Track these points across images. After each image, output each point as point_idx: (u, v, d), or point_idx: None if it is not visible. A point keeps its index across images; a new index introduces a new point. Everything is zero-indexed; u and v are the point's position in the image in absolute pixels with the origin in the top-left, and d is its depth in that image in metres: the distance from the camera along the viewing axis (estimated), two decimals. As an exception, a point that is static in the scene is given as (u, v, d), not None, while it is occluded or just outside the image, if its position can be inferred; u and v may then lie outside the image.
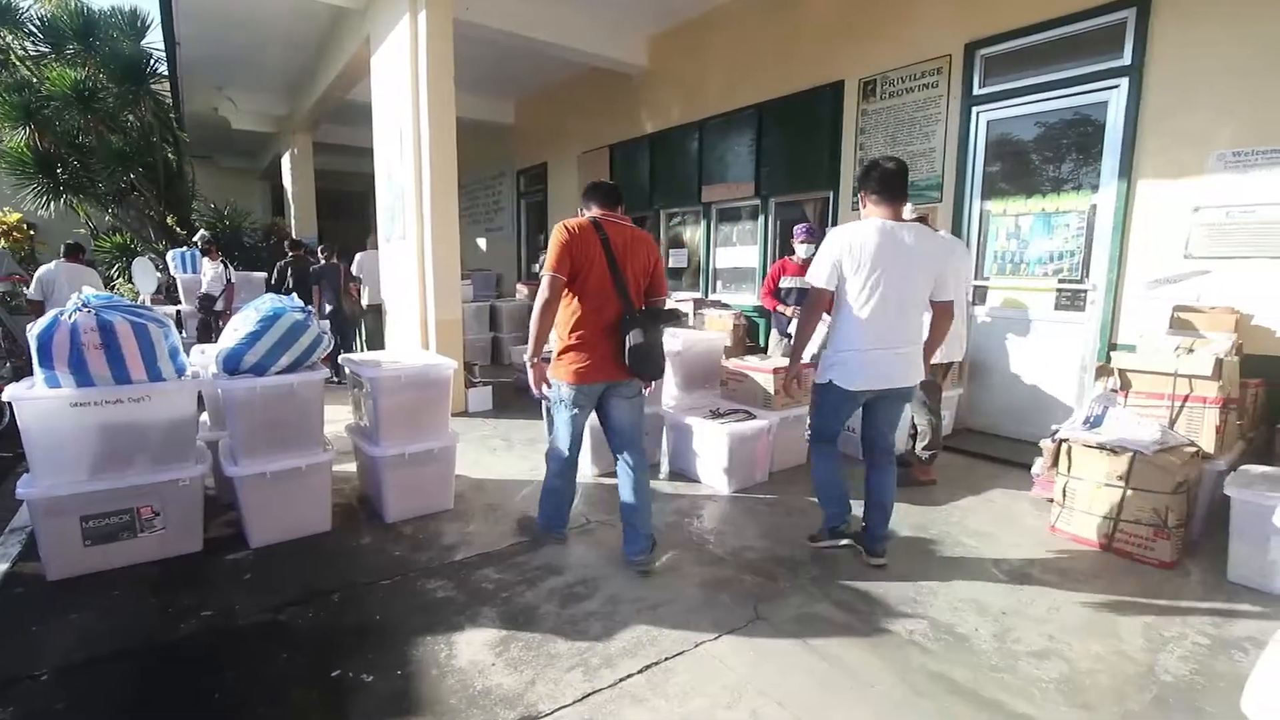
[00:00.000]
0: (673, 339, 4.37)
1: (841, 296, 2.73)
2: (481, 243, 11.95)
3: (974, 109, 4.71)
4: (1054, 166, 4.41)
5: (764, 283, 5.23)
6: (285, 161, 11.84)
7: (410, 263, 5.48)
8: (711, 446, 3.65)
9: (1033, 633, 2.25)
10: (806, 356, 3.16)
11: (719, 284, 7.10)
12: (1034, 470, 3.61)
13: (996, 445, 4.48)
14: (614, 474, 3.08)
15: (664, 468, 4.03)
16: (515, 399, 6.19)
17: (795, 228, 5.07)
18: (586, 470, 3.88)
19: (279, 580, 2.60)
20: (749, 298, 6.63)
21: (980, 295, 4.81)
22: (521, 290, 8.74)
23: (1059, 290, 4.39)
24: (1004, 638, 2.22)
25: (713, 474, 3.69)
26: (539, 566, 2.73)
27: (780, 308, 5.01)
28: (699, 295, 7.04)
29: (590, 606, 2.40)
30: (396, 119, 5.55)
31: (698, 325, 6.08)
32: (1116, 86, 4.01)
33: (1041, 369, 4.49)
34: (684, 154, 7.13)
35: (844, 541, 2.86)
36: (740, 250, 6.81)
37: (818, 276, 2.71)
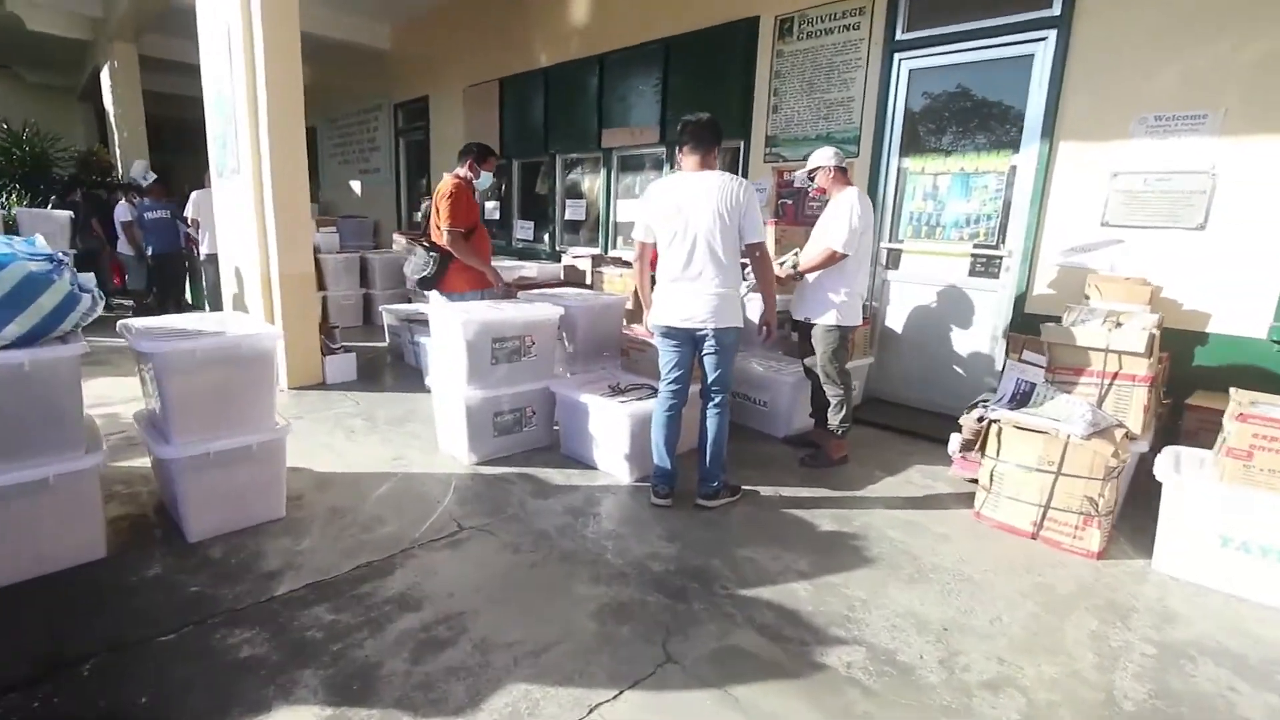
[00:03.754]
0: (566, 298, 3.80)
1: (660, 246, 2.83)
2: (355, 186, 10.59)
3: (896, 56, 4.35)
4: (976, 123, 4.15)
5: None
6: (105, 77, 9.81)
7: (246, 203, 4.47)
8: (610, 430, 3.15)
9: (980, 654, 1.95)
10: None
11: (619, 240, 6.53)
12: (951, 449, 3.40)
13: (908, 417, 4.29)
14: (493, 463, 2.72)
15: (558, 448, 3.49)
16: (387, 367, 5.38)
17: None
18: (463, 458, 3.27)
19: (5, 645, 1.84)
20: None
21: (894, 259, 4.56)
22: (399, 240, 7.73)
23: (974, 255, 4.20)
24: (951, 664, 1.90)
25: (612, 460, 3.20)
26: (390, 599, 2.12)
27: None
28: (597, 251, 6.44)
29: (453, 658, 1.84)
30: (223, 15, 4.43)
31: (595, 285, 5.48)
32: (1044, 39, 3.75)
33: (953, 338, 4.32)
34: (583, 92, 6.39)
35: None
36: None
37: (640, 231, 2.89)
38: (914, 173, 4.43)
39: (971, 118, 4.16)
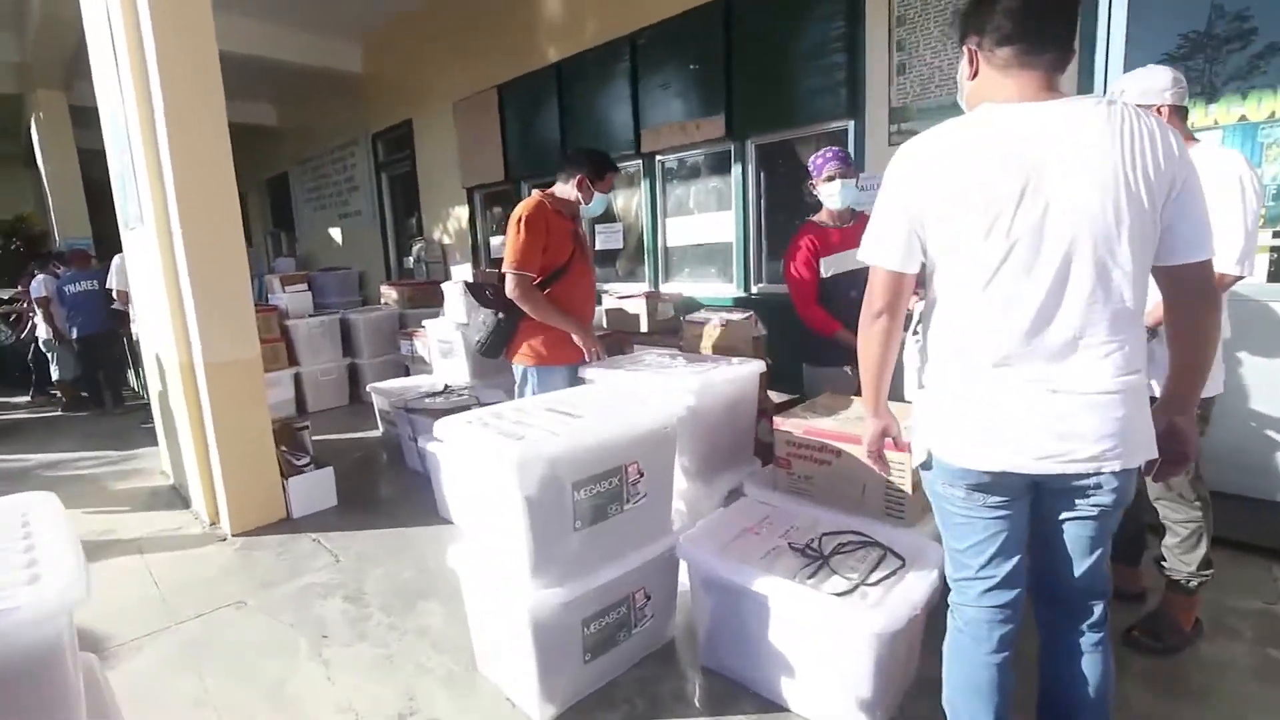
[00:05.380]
0: (666, 372, 2.31)
1: (939, 274, 1.25)
2: (335, 233, 9.17)
3: (1106, -36, 2.93)
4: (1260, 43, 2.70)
5: (792, 276, 2.70)
6: (33, 130, 8.45)
7: (153, 263, 3.00)
8: (832, 651, 1.60)
9: None
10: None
11: (670, 269, 5.06)
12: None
13: (1255, 519, 2.60)
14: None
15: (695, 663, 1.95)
16: (381, 475, 3.84)
17: (817, 158, 2.68)
18: (533, 712, 1.72)
19: None
20: (722, 288, 4.64)
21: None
22: (390, 293, 6.26)
23: (1275, 250, 2.72)
24: None
25: (828, 702, 1.65)
26: None
27: (843, 334, 2.58)
28: (647, 288, 4.96)
29: None
30: (105, 18, 3.00)
31: (688, 340, 3.28)
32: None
33: (1258, 379, 2.78)
34: (610, 85, 4.96)
35: None
36: (702, 220, 4.78)
37: (878, 248, 1.28)
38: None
39: (1250, 37, 2.71)
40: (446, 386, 3.93)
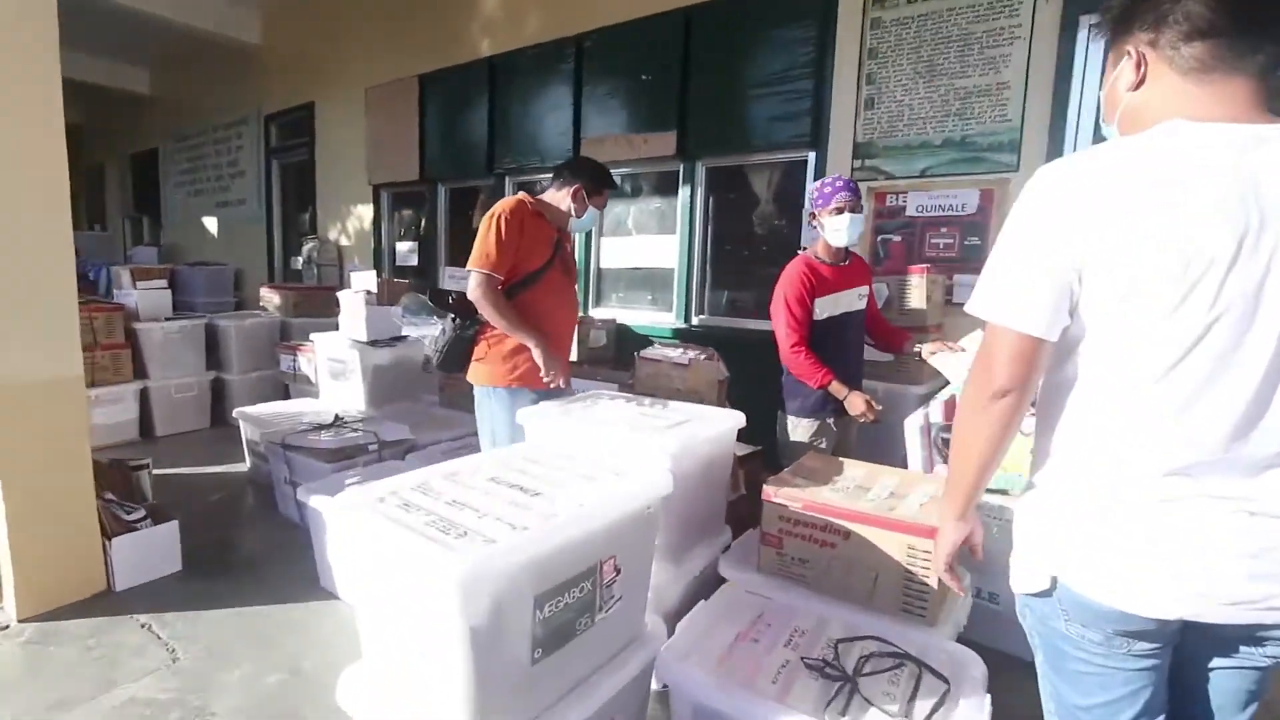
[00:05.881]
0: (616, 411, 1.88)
1: (1089, 344, 0.90)
2: (211, 223, 8.01)
3: (1083, 20, 2.87)
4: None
5: (788, 313, 2.30)
6: None
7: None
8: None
9: None
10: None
11: (602, 293, 4.64)
12: None
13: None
14: None
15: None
16: (244, 522, 3.09)
17: (825, 185, 2.35)
18: None
19: None
20: (659, 316, 4.28)
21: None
22: (271, 298, 5.39)
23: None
24: None
25: None
26: None
27: (836, 386, 2.25)
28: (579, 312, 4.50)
29: None
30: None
31: (639, 380, 2.91)
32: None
33: None
34: (550, 88, 4.52)
35: None
36: (641, 243, 4.42)
37: (1011, 303, 0.90)
38: (1115, 194, 2.92)
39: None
40: (337, 418, 3.26)
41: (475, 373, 2.32)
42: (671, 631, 1.55)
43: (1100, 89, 1.02)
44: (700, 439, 1.85)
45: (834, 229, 2.32)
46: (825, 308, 2.36)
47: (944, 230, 3.22)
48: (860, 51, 3.36)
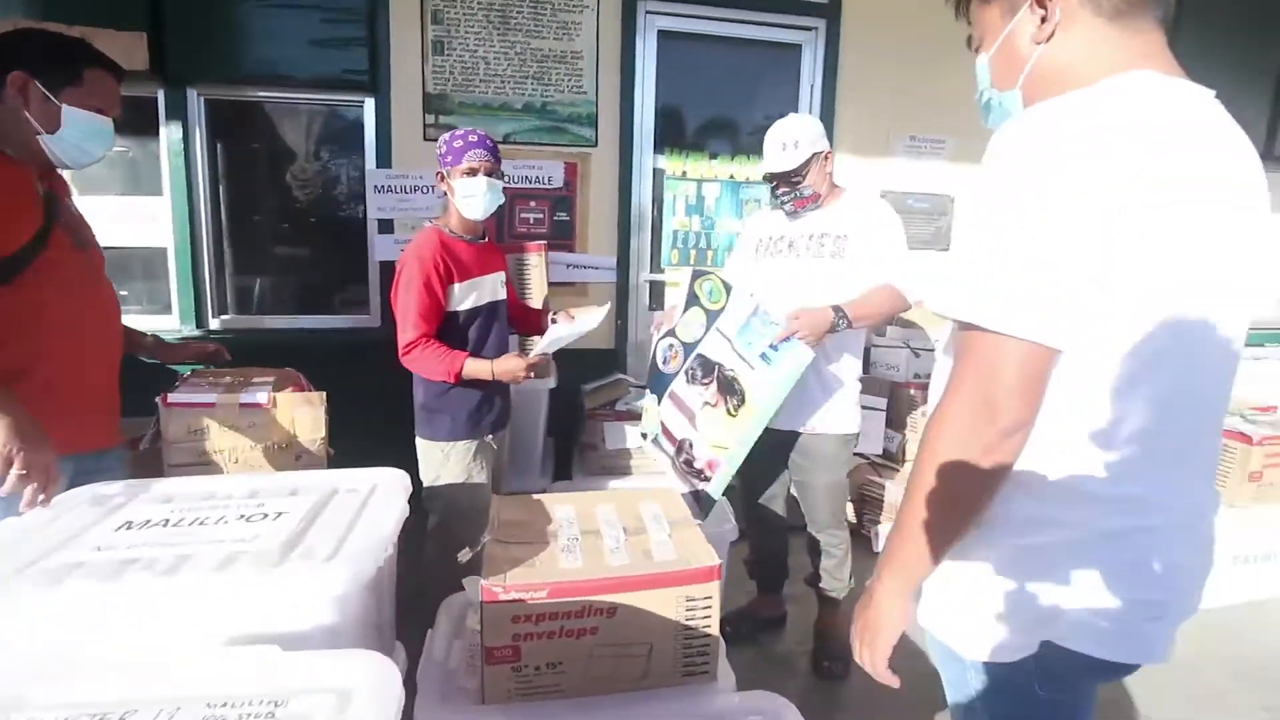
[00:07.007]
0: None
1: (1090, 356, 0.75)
2: None
3: (641, 6, 2.98)
4: (743, 118, 3.26)
5: (414, 304, 1.75)
6: None
7: None
8: None
9: None
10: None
11: None
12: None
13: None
14: None
15: None
16: None
17: (453, 139, 1.81)
18: None
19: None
20: (156, 321, 2.87)
21: (657, 294, 3.28)
22: None
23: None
24: None
25: None
26: None
27: (474, 363, 1.81)
28: None
29: None
30: None
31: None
32: (814, 29, 3.13)
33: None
34: None
35: None
36: (101, 205, 2.81)
37: (1021, 307, 0.69)
38: (673, 177, 3.21)
39: (738, 110, 3.25)
40: None
41: None
42: None
43: (980, 51, 0.86)
44: (376, 545, 1.16)
45: (465, 195, 1.81)
46: (465, 297, 1.85)
47: (533, 204, 3.02)
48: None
